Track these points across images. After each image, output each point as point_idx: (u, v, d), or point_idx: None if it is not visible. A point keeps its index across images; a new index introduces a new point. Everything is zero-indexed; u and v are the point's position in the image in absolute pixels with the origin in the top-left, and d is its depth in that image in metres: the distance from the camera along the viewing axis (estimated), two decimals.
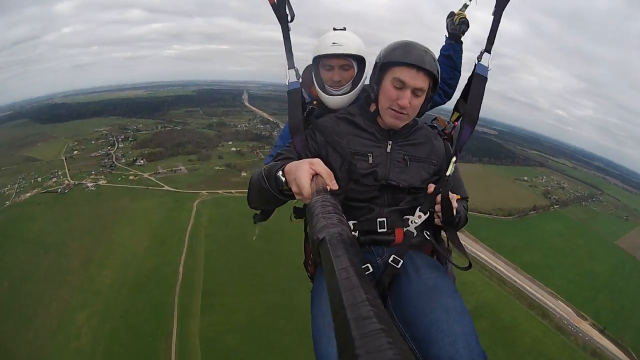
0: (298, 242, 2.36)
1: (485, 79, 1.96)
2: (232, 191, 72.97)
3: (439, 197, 1.83)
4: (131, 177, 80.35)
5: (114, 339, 39.41)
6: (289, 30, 2.02)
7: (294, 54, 2.06)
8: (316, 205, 1.03)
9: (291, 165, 1.43)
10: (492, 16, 1.96)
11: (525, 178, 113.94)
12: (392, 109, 1.84)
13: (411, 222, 1.86)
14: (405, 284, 1.70)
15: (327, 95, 2.24)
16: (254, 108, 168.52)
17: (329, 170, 1.35)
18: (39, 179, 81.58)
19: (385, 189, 1.87)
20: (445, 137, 2.14)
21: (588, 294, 57.77)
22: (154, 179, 79.38)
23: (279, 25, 2.02)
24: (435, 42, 2.49)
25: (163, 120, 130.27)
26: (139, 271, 48.93)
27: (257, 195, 1.72)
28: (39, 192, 75.94)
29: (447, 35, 2.50)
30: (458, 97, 2.16)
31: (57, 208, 68.65)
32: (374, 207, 1.86)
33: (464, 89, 2.09)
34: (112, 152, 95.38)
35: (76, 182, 79.04)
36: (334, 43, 2.12)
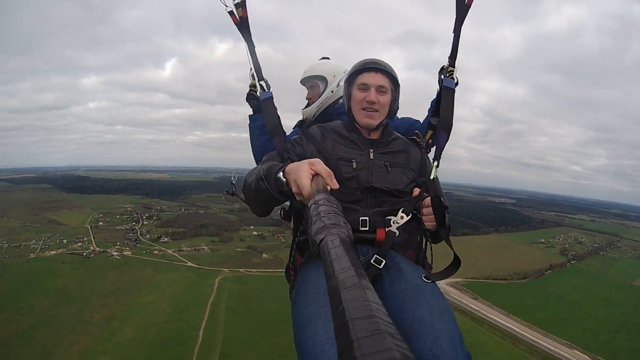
0: None
1: (453, 90, 2.14)
2: (253, 270, 75.19)
3: (427, 201, 1.89)
4: (155, 252, 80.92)
5: None
6: (254, 46, 2.30)
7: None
8: (316, 205, 1.04)
9: (292, 166, 1.49)
10: (452, 33, 2.09)
11: (542, 240, 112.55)
12: (363, 109, 2.03)
13: (393, 222, 1.88)
14: (388, 285, 1.73)
15: (303, 109, 2.92)
16: None
17: (329, 170, 1.40)
18: (64, 241, 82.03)
19: (369, 192, 1.93)
20: (424, 149, 2.30)
21: (604, 338, 56.62)
22: (177, 255, 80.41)
23: (245, 42, 2.31)
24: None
25: (186, 204, 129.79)
26: (160, 331, 49.69)
27: (254, 196, 1.76)
28: (64, 252, 76.14)
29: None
30: (430, 116, 2.31)
31: (81, 269, 68.69)
32: (359, 208, 1.91)
33: (434, 105, 2.26)
34: (136, 227, 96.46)
35: (101, 250, 79.22)
36: (305, 71, 2.85)
